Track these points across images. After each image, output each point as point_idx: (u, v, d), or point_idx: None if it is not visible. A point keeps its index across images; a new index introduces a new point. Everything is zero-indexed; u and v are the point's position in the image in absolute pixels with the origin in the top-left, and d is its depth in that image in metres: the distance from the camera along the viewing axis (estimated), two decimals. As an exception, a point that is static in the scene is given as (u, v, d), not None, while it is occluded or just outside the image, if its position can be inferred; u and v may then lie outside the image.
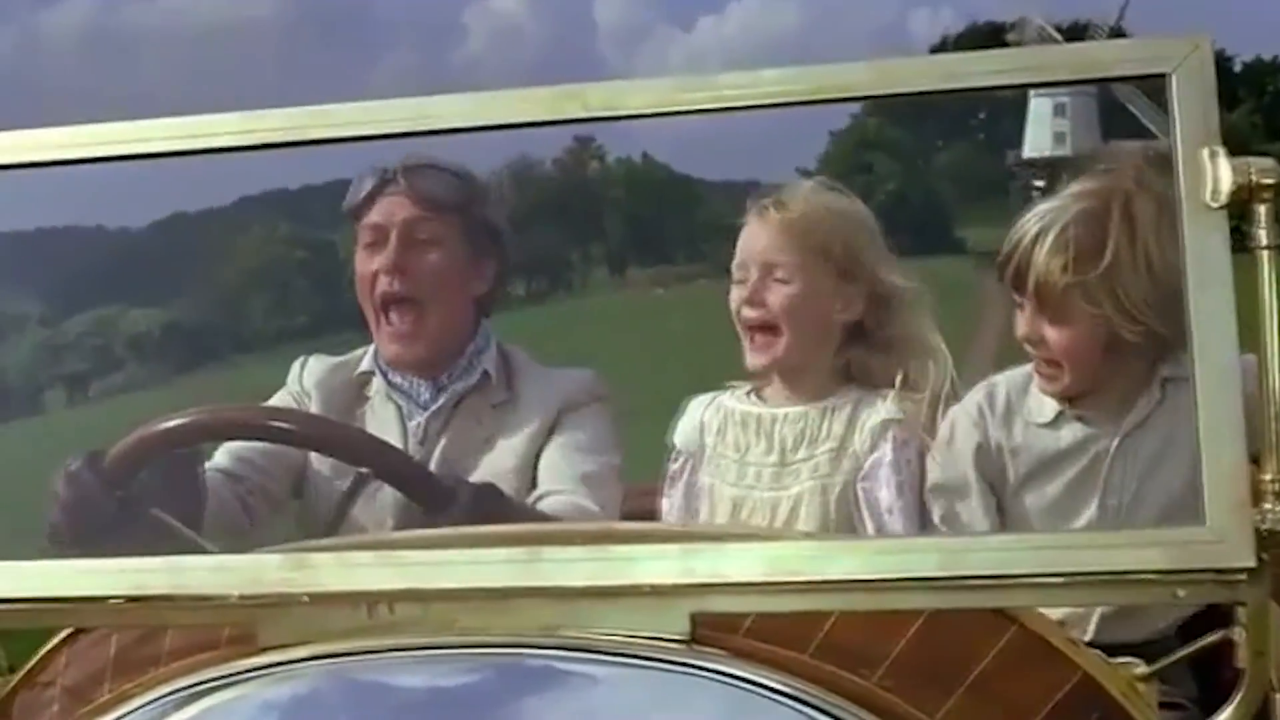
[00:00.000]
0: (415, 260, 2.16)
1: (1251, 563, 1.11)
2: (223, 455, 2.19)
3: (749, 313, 2.02)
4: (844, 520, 1.97)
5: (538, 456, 2.16)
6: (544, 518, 2.00)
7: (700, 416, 2.12)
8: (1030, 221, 1.90)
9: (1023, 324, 1.92)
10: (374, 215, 2.17)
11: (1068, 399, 1.95)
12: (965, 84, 1.19)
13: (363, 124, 1.21)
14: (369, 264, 2.18)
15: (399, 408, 2.23)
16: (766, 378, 2.08)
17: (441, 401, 2.21)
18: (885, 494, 1.95)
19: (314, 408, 2.24)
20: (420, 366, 2.22)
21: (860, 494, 1.97)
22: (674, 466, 2.12)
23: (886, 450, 1.96)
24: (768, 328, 2.02)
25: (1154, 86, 1.17)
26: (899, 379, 2.03)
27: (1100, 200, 1.88)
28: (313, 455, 2.20)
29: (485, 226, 2.24)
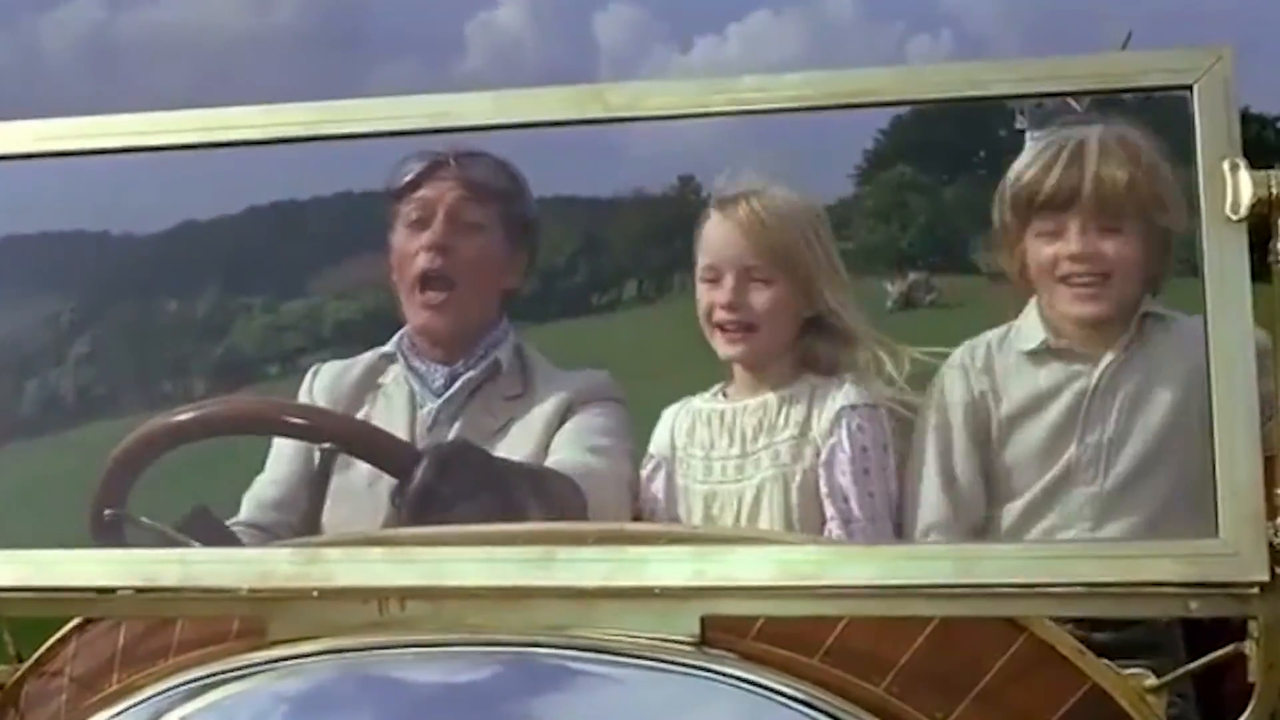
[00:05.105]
0: (459, 242, 2.18)
1: (1265, 577, 1.11)
2: (247, 507, 2.17)
3: (728, 315, 2.03)
4: (807, 508, 1.98)
5: (548, 448, 2.14)
6: (530, 472, 1.98)
7: (672, 422, 2.14)
8: (1056, 144, 1.94)
9: (1074, 242, 1.93)
10: (421, 192, 2.19)
11: (1100, 321, 1.97)
12: (990, 91, 1.18)
13: (384, 120, 1.20)
14: (411, 242, 2.20)
15: (412, 393, 2.23)
16: (745, 365, 2.10)
17: (455, 389, 2.20)
18: (844, 480, 1.97)
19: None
20: (447, 342, 2.23)
21: (821, 479, 1.98)
22: (645, 472, 2.13)
23: (843, 436, 1.98)
24: (745, 326, 2.04)
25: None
26: (856, 367, 2.05)
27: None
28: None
29: (524, 221, 2.26)
